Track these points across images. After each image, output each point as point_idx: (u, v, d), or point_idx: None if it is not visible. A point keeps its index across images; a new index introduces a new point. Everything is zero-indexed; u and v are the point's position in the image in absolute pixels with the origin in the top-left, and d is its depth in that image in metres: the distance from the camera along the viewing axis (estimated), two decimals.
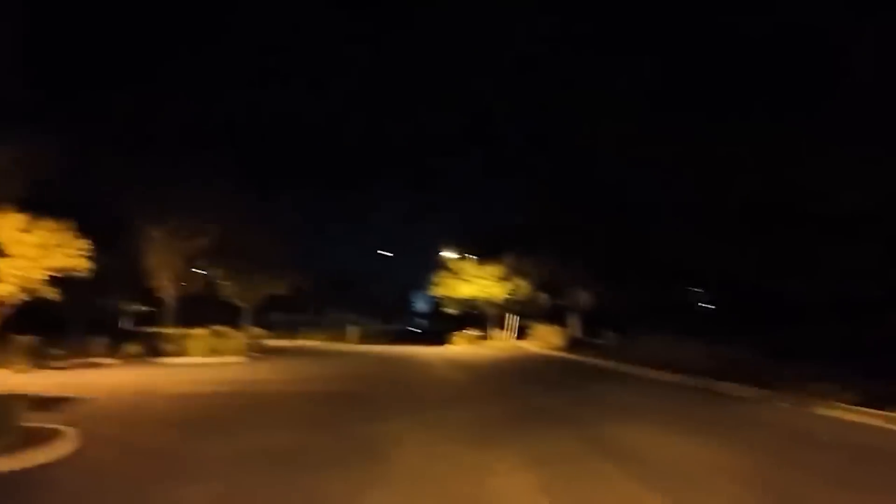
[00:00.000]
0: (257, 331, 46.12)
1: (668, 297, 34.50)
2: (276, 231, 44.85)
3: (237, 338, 27.36)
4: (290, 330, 55.65)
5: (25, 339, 23.47)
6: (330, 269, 68.22)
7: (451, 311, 41.34)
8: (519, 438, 9.13)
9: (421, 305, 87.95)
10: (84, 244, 20.02)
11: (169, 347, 24.85)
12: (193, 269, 27.24)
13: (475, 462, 7.75)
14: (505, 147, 44.70)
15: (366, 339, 48.31)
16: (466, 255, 38.66)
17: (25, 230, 18.78)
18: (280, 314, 72.89)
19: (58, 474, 7.14)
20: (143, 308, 31.43)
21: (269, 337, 48.01)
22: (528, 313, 40.31)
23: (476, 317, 40.67)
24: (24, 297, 19.18)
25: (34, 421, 9.64)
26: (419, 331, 73.56)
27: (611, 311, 35.23)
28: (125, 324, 36.38)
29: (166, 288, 26.57)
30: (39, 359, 22.45)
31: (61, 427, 9.14)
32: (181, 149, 28.16)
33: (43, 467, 7.39)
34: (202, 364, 22.86)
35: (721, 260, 24.83)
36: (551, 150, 34.69)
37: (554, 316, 39.04)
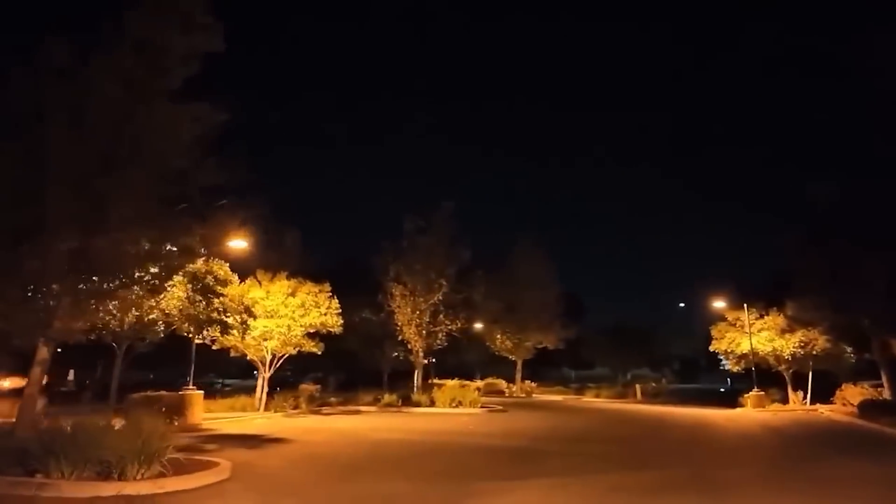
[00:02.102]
0: (526, 385, 46.70)
1: None
2: (549, 284, 45.63)
3: (477, 390, 28.54)
4: (577, 385, 54.71)
5: (309, 388, 27.58)
6: (615, 321, 65.99)
7: (734, 368, 36.59)
8: None
9: (725, 363, 79.35)
10: (335, 304, 22.95)
11: (420, 397, 26.84)
12: (438, 324, 28.97)
13: None
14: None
15: (652, 398, 44.85)
16: (745, 304, 34.07)
17: (291, 294, 22.38)
18: (569, 369, 72.87)
19: (180, 501, 8.26)
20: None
21: (541, 391, 48.17)
22: (833, 370, 33.61)
23: (771, 375, 35.27)
24: (290, 350, 22.69)
25: (219, 456, 11.38)
26: (722, 390, 66.48)
27: None
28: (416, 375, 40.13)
29: (415, 341, 28.81)
30: (316, 405, 26.16)
31: (221, 460, 10.59)
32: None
33: (173, 494, 8.65)
34: (438, 414, 24.08)
35: None
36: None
37: (867, 373, 31.77)
